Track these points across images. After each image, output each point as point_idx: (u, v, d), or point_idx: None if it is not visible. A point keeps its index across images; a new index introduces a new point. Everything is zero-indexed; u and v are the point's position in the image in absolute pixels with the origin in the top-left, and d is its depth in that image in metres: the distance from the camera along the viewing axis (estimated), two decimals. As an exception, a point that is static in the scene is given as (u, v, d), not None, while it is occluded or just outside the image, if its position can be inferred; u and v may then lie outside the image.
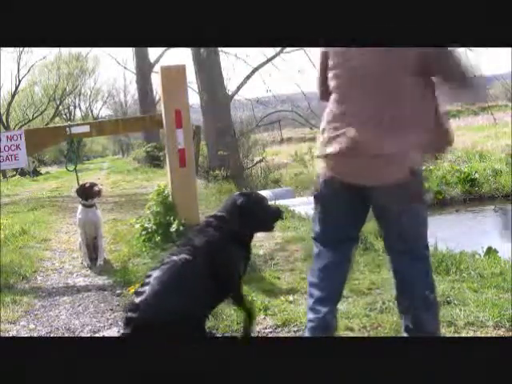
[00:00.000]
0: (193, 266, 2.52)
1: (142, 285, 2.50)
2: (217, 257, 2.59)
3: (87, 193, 4.80)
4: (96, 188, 4.81)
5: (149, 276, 2.52)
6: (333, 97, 2.35)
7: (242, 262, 2.72)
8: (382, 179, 2.24)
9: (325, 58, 2.39)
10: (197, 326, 2.48)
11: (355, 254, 2.59)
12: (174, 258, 2.55)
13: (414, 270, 2.35)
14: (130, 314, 2.44)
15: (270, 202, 2.91)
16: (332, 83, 2.35)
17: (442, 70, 2.24)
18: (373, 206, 2.39)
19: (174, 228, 4.49)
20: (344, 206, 2.40)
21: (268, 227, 2.84)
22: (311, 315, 2.39)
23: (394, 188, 2.25)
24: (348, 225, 2.46)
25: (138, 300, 2.42)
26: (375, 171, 2.24)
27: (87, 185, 4.87)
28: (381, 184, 2.25)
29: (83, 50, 38.26)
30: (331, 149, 2.28)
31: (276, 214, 2.81)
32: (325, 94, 2.48)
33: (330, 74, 2.36)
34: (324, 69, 2.42)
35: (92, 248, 4.90)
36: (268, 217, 2.78)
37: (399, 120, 2.22)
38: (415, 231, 2.34)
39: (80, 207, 4.90)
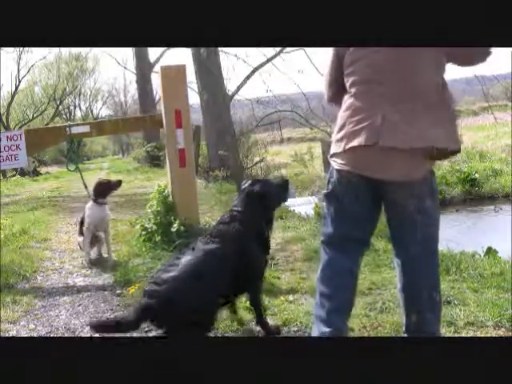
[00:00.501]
0: (222, 257, 2.74)
1: (170, 265, 2.68)
2: (246, 250, 2.82)
3: (107, 189, 4.83)
4: (113, 181, 4.91)
5: (178, 258, 2.70)
6: (352, 92, 2.31)
7: (265, 255, 2.98)
8: (403, 174, 2.23)
9: (337, 56, 2.37)
10: (211, 316, 2.68)
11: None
12: (206, 246, 2.76)
13: (423, 270, 2.33)
14: (154, 287, 2.59)
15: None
16: (350, 79, 2.32)
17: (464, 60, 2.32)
18: (387, 202, 2.36)
19: (175, 228, 4.49)
20: (359, 205, 2.35)
21: (283, 201, 3.15)
22: (325, 328, 2.32)
23: (411, 184, 2.24)
24: (362, 226, 2.40)
25: (166, 276, 2.59)
26: (397, 165, 2.22)
27: (105, 181, 4.92)
28: (400, 179, 2.23)
29: (83, 50, 38.31)
30: (355, 142, 2.24)
31: (286, 184, 3.09)
32: (335, 94, 2.46)
33: (348, 70, 2.33)
34: (335, 68, 2.39)
35: (95, 247, 4.94)
36: (281, 193, 3.06)
37: (422, 114, 2.21)
38: (428, 231, 2.33)
39: (91, 204, 4.86)
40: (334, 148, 2.36)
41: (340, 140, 2.32)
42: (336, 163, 2.37)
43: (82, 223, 5.03)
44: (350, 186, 2.34)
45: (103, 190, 4.84)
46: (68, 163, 5.66)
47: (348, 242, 2.39)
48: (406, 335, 2.43)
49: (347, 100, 2.34)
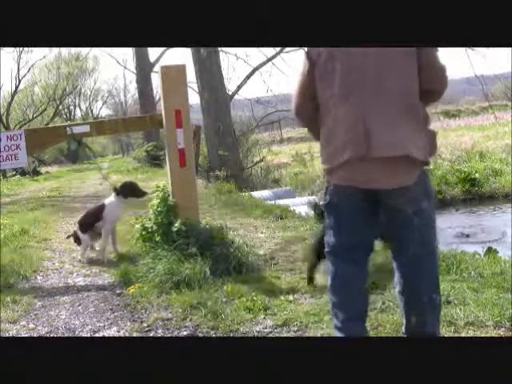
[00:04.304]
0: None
1: None
2: None
3: (134, 192, 5.07)
4: (142, 190, 5.15)
5: None
6: (331, 103, 2.27)
7: None
8: (394, 182, 2.22)
9: (310, 64, 2.31)
10: None
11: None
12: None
13: (423, 272, 2.32)
14: None
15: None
16: (327, 90, 2.28)
17: (432, 79, 2.24)
18: (383, 207, 2.34)
19: (176, 227, 4.48)
20: (359, 213, 2.35)
21: None
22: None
23: (405, 189, 2.23)
24: (364, 232, 2.40)
25: None
26: (386, 174, 2.21)
27: (137, 186, 5.17)
28: (392, 187, 2.23)
29: (83, 50, 38.28)
30: (343, 157, 2.22)
31: None
32: (305, 104, 2.40)
33: (324, 81, 2.28)
34: (308, 77, 2.33)
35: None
36: None
37: (407, 119, 2.19)
38: (425, 232, 2.32)
39: (115, 200, 5.03)
40: (325, 163, 2.35)
41: (329, 155, 2.31)
42: (330, 178, 2.36)
43: (91, 224, 5.09)
44: (348, 197, 2.34)
45: (131, 191, 5.06)
46: (86, 159, 5.89)
47: (353, 249, 2.39)
48: (405, 335, 2.43)
49: (329, 112, 2.30)
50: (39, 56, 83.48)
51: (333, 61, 2.25)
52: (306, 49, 2.36)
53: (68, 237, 5.45)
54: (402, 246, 2.36)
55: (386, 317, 3.01)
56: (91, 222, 5.09)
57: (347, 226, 2.38)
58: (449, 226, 8.83)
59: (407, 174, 2.23)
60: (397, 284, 2.43)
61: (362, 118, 2.20)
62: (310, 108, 2.40)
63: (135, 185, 5.17)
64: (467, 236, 8.24)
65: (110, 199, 5.07)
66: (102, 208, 5.08)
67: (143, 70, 23.00)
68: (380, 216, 2.39)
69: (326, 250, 2.48)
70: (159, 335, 3.10)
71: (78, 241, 5.19)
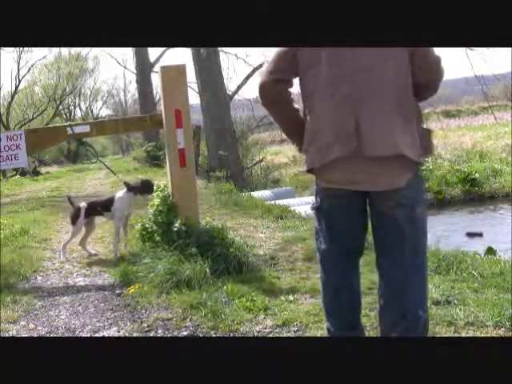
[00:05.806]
0: None
1: None
2: None
3: (148, 189, 5.02)
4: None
5: None
6: (317, 97, 2.14)
7: None
8: (387, 183, 2.10)
9: (291, 52, 2.21)
10: None
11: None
12: None
13: (409, 284, 2.17)
14: None
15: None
16: (312, 83, 2.15)
17: (426, 71, 2.14)
18: (372, 211, 2.22)
19: (176, 227, 4.49)
20: (350, 216, 2.23)
21: None
22: None
23: (398, 192, 2.11)
24: (356, 236, 2.28)
25: None
26: (380, 174, 2.08)
27: (152, 183, 5.12)
28: (386, 188, 2.10)
29: (83, 50, 38.31)
30: (332, 155, 2.08)
31: None
32: (278, 82, 2.23)
33: (309, 75, 2.16)
34: (289, 58, 2.21)
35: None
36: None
37: (399, 114, 2.07)
38: (417, 242, 2.18)
39: (125, 197, 5.02)
40: (311, 162, 2.19)
41: (314, 154, 2.16)
42: (318, 179, 2.24)
43: (97, 211, 5.10)
44: (338, 200, 2.21)
45: (144, 189, 5.02)
46: (88, 159, 5.98)
47: (345, 256, 2.28)
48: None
49: (314, 107, 2.17)
50: (39, 56, 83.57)
51: (318, 51, 2.14)
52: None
53: (71, 202, 5.32)
54: (389, 254, 2.21)
55: (386, 317, 3.00)
56: (99, 210, 5.13)
57: (339, 232, 2.25)
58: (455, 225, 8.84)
59: (399, 174, 2.09)
60: (379, 288, 2.31)
61: (353, 112, 2.06)
62: (276, 90, 2.24)
63: (149, 182, 5.16)
64: (480, 235, 8.22)
65: (120, 194, 5.09)
66: (111, 200, 5.11)
67: (143, 70, 23.00)
68: (369, 219, 2.27)
69: (319, 257, 2.36)
70: (159, 335, 3.10)
71: (74, 219, 5.16)
